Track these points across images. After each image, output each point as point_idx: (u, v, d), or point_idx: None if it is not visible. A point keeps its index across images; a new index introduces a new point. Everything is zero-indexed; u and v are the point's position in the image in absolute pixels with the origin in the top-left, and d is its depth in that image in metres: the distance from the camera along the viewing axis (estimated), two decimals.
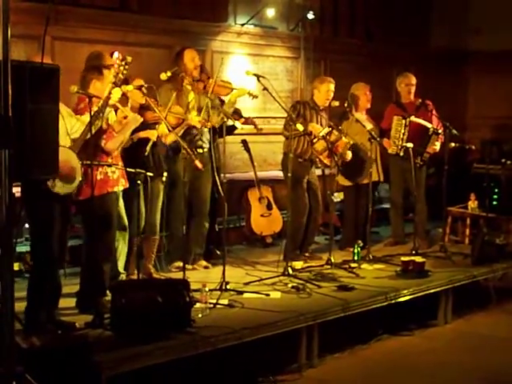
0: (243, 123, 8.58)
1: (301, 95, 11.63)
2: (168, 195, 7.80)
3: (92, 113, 5.92)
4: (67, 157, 5.71)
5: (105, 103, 6.15)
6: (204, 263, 8.18)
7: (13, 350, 4.28)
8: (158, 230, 7.61)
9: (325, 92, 8.54)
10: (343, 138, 8.34)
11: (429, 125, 9.10)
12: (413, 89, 9.42)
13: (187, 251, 7.76)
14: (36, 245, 5.91)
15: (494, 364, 6.66)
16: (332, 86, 8.55)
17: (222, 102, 8.36)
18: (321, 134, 8.15)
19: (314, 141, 8.23)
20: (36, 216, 5.83)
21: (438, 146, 9.16)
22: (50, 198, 5.72)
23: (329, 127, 8.29)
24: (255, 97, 8.09)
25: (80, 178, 5.95)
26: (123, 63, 6.31)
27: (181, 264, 7.26)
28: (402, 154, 9.07)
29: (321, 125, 8.49)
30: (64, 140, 5.79)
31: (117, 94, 6.28)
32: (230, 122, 7.93)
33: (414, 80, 9.44)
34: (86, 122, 6.03)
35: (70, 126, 6.02)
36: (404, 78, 9.49)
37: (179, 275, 7.08)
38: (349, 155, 8.51)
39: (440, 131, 9.06)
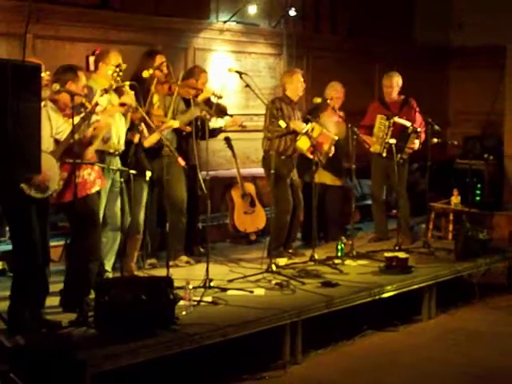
0: (231, 125, 8.67)
1: None
2: (151, 194, 7.78)
3: (74, 111, 5.89)
4: (46, 165, 5.58)
5: (92, 110, 6.10)
6: (185, 258, 8.16)
7: None
8: (141, 229, 7.58)
9: (297, 83, 8.52)
10: (324, 131, 8.34)
11: (408, 123, 9.10)
12: (393, 89, 9.36)
13: (167, 248, 7.71)
14: (17, 245, 5.86)
15: (477, 359, 6.69)
16: (301, 77, 8.56)
17: (188, 101, 8.25)
18: (304, 131, 8.16)
19: (298, 138, 8.23)
20: (14, 217, 5.79)
21: (416, 144, 9.17)
22: (26, 199, 5.67)
23: (308, 121, 8.31)
24: (219, 97, 8.11)
25: (56, 187, 5.93)
26: (117, 70, 6.27)
27: (154, 261, 7.24)
28: (384, 154, 9.05)
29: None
30: (47, 143, 5.76)
31: (104, 101, 6.24)
32: (213, 125, 7.95)
33: (395, 81, 9.37)
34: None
35: (57, 125, 5.97)
36: (386, 77, 9.45)
37: (163, 272, 7.07)
38: (332, 150, 8.52)
39: (419, 130, 9.07)
